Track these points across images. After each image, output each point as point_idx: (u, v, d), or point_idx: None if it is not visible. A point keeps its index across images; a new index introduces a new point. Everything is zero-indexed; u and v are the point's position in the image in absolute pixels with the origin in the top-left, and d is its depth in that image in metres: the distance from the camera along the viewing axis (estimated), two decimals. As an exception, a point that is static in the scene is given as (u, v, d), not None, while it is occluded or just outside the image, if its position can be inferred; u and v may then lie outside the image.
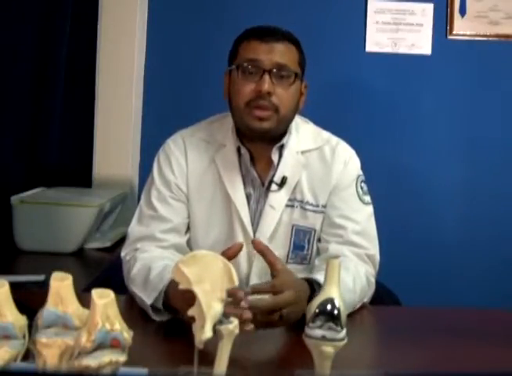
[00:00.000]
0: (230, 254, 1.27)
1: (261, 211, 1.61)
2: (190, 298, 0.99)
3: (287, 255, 1.61)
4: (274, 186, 1.61)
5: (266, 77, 1.51)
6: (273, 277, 1.30)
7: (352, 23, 2.60)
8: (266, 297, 1.25)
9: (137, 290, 1.43)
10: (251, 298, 1.20)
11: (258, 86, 1.51)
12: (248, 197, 1.61)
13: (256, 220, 1.61)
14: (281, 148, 1.62)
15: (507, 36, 2.59)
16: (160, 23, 2.60)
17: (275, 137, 1.59)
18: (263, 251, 1.32)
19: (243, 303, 1.16)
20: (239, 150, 1.61)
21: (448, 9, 2.58)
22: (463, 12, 2.58)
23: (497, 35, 2.59)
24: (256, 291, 1.25)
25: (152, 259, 1.48)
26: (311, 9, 2.59)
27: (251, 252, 1.60)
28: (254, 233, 1.60)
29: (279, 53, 1.54)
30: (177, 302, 1.27)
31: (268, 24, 1.60)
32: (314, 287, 1.33)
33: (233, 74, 1.57)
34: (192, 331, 0.96)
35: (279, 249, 1.60)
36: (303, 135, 1.65)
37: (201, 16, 2.59)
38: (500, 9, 2.58)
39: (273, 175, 1.61)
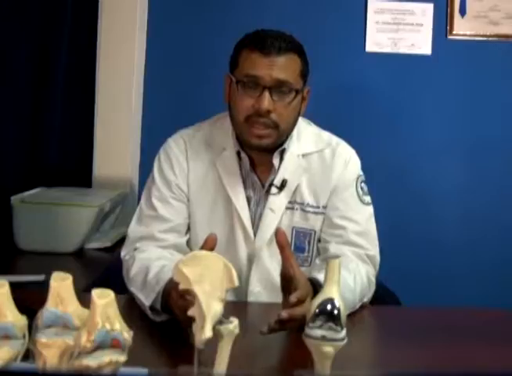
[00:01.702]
0: (207, 248, 1.23)
1: (261, 213, 1.61)
2: (186, 300, 0.99)
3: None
4: (274, 189, 1.60)
5: (266, 94, 1.49)
6: (285, 274, 1.29)
7: (352, 23, 2.60)
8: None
9: (136, 291, 1.43)
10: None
11: (258, 104, 1.49)
12: (249, 200, 1.61)
13: (256, 223, 1.61)
14: (282, 152, 1.61)
15: (507, 36, 2.59)
16: (160, 23, 2.59)
17: (276, 147, 1.59)
18: (283, 246, 1.29)
19: (284, 314, 1.20)
20: (239, 153, 1.61)
21: (448, 9, 2.58)
22: (463, 12, 2.58)
23: (497, 35, 2.59)
24: (300, 300, 1.24)
25: (150, 259, 1.48)
26: (312, 9, 2.59)
27: (252, 253, 1.60)
28: (255, 235, 1.60)
29: (280, 68, 1.50)
30: (172, 305, 1.27)
31: (270, 25, 1.58)
32: (316, 287, 1.33)
33: (233, 85, 1.55)
34: (193, 331, 0.96)
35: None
36: (304, 138, 1.65)
37: (201, 15, 2.59)
38: (500, 9, 2.58)
39: (273, 179, 1.61)
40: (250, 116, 1.51)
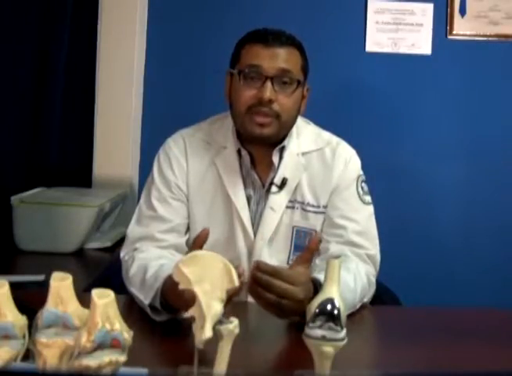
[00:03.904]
0: (199, 242, 1.25)
1: (261, 212, 1.61)
2: (187, 294, 0.99)
3: (288, 257, 1.61)
4: (274, 188, 1.60)
5: (268, 84, 1.50)
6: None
7: (352, 23, 2.60)
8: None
9: (135, 290, 1.43)
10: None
11: (260, 93, 1.50)
12: (248, 199, 1.61)
13: (256, 222, 1.61)
14: (282, 150, 1.61)
15: (507, 36, 2.59)
16: (160, 23, 2.60)
17: (276, 141, 1.59)
18: (312, 250, 1.30)
19: (241, 268, 1.17)
20: (239, 151, 1.61)
21: (448, 9, 2.58)
22: (463, 12, 2.58)
23: (497, 35, 2.59)
24: (264, 270, 1.24)
25: (149, 259, 1.48)
26: (312, 9, 2.59)
27: (252, 253, 1.60)
28: (255, 234, 1.60)
29: (283, 59, 1.52)
30: (174, 300, 1.27)
31: (269, 25, 1.59)
32: (316, 286, 1.32)
33: (235, 78, 1.56)
34: (193, 331, 0.96)
35: (280, 251, 1.60)
36: (304, 136, 1.65)
37: (201, 15, 2.59)
38: (500, 9, 2.58)
39: (273, 177, 1.61)
40: (251, 106, 1.52)
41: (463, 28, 2.59)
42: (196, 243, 1.26)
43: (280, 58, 1.52)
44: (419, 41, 2.59)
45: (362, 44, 2.60)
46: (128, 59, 2.52)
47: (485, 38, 2.59)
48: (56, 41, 2.44)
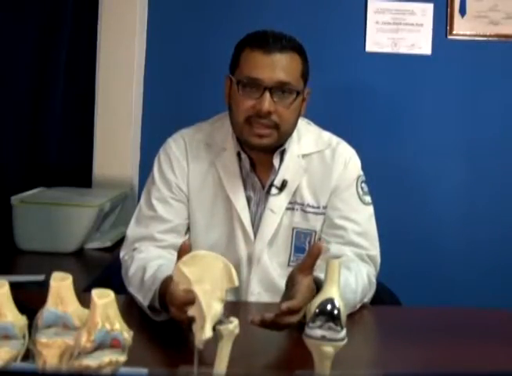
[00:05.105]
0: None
1: (261, 214, 1.61)
2: (184, 297, 0.99)
3: (289, 259, 1.61)
4: (274, 190, 1.60)
5: (267, 95, 1.48)
6: (292, 277, 1.27)
7: (352, 23, 2.60)
8: None
9: (134, 291, 1.43)
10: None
11: (258, 105, 1.49)
12: (248, 200, 1.61)
13: (256, 223, 1.61)
14: (282, 152, 1.61)
15: (507, 36, 2.59)
16: (160, 23, 2.59)
17: (276, 148, 1.59)
18: (314, 256, 1.25)
19: (284, 306, 1.17)
20: (239, 154, 1.61)
21: (448, 9, 2.58)
22: (463, 12, 2.58)
23: (497, 35, 2.59)
24: (292, 310, 1.21)
25: (148, 259, 1.48)
26: (312, 9, 2.59)
27: (252, 254, 1.60)
28: (255, 236, 1.60)
29: (282, 68, 1.49)
30: (168, 304, 1.25)
31: (269, 25, 1.58)
32: (319, 286, 1.31)
33: (234, 86, 1.54)
34: (192, 331, 0.96)
35: (280, 252, 1.60)
36: (304, 138, 1.64)
37: (201, 15, 2.59)
38: (500, 9, 2.58)
39: (274, 179, 1.60)
40: (250, 116, 1.51)
41: (463, 28, 2.58)
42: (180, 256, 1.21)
43: (279, 67, 1.49)
44: (419, 41, 2.59)
45: (362, 44, 2.59)
46: (128, 59, 2.52)
47: (485, 38, 2.59)
48: (56, 41, 2.44)
